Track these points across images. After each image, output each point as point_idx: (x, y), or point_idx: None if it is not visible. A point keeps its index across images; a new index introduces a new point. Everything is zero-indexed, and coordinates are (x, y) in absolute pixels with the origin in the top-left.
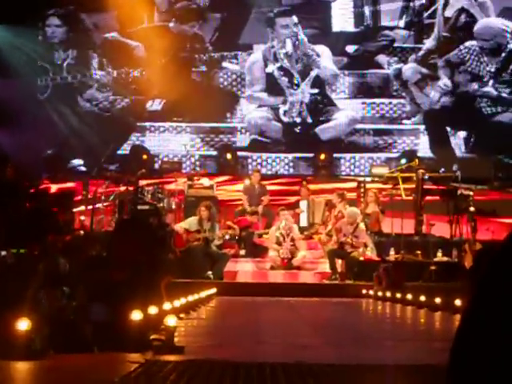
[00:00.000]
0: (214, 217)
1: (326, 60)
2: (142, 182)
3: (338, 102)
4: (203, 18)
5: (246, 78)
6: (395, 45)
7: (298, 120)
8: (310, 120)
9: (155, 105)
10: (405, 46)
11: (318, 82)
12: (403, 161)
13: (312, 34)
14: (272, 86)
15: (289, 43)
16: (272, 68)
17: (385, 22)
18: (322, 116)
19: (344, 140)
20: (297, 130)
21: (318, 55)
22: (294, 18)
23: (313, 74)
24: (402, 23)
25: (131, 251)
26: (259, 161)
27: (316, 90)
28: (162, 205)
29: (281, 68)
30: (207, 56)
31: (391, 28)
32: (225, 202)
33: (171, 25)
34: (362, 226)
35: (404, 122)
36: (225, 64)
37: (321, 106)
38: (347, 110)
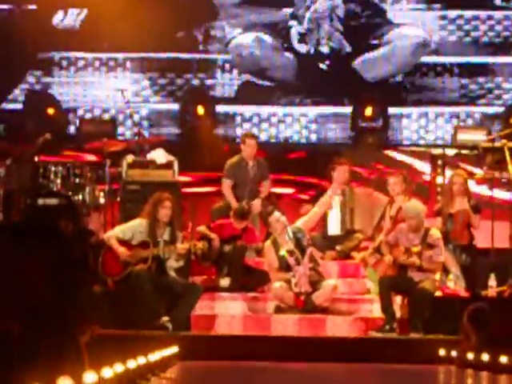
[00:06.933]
0: (177, 219)
1: None
2: (47, 157)
3: (394, 14)
4: None
5: None
6: None
7: (325, 49)
8: (347, 48)
9: (68, 18)
10: None
11: None
12: None
13: None
14: None
15: None
16: None
17: None
18: (367, 39)
19: (406, 82)
20: (323, 65)
21: None
22: None
23: None
24: None
25: (25, 283)
26: (255, 120)
27: None
28: (80, 197)
29: None
30: None
31: None
32: (193, 194)
33: None
34: (435, 233)
35: None
36: None
37: (364, 22)
38: (411, 28)
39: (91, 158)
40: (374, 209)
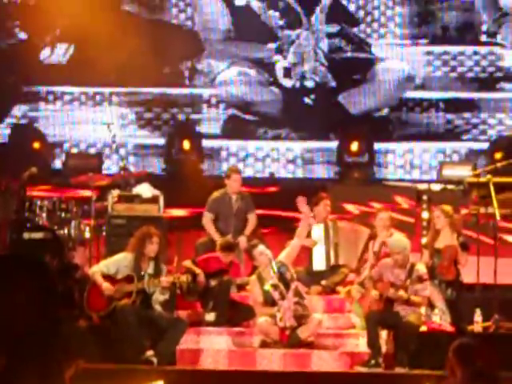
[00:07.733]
0: (162, 254)
1: None
2: (33, 192)
3: (378, 49)
4: None
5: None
6: None
7: (310, 83)
8: (331, 82)
9: (56, 54)
10: None
11: (339, 14)
12: (498, 155)
13: None
14: (249, 22)
15: None
16: None
17: None
18: (352, 73)
19: (391, 117)
20: (308, 100)
21: None
22: None
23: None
24: None
25: (10, 316)
26: (241, 154)
27: (335, 28)
28: (66, 231)
29: None
30: None
31: None
32: (177, 228)
33: None
34: (421, 267)
35: (501, 86)
36: None
37: (348, 56)
38: (396, 62)
39: (77, 192)
40: (358, 242)
